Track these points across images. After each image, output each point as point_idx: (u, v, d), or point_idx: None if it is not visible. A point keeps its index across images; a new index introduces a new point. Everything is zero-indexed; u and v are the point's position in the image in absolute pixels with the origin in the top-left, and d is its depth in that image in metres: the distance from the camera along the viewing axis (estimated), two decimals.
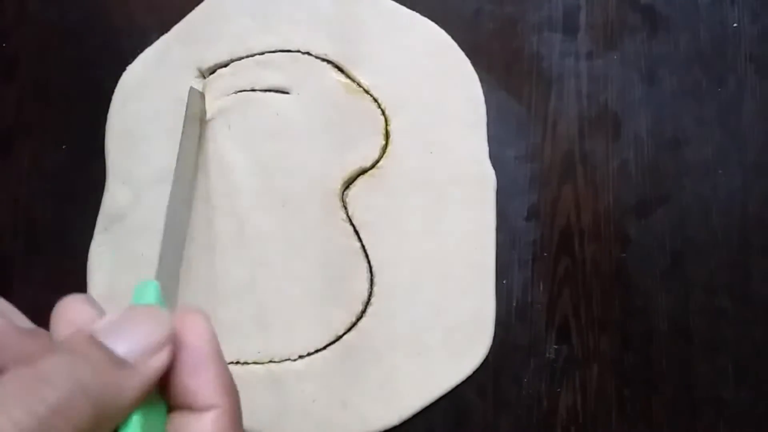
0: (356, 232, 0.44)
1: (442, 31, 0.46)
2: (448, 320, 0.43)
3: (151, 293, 0.24)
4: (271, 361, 0.43)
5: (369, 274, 0.43)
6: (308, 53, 0.45)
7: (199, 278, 0.44)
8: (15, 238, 0.46)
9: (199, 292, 0.44)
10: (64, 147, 0.46)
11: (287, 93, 0.45)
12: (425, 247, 0.43)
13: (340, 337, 0.43)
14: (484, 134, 0.45)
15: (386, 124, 0.45)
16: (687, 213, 0.45)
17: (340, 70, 0.45)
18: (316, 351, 0.43)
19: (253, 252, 0.44)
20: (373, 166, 0.44)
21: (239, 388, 0.47)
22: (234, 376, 0.40)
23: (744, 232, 0.44)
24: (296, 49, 0.45)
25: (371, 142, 0.44)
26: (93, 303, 0.23)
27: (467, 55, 0.46)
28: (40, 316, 0.44)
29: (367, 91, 0.45)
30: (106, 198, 0.45)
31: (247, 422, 0.43)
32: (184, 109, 0.43)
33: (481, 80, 0.45)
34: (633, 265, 0.44)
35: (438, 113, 0.45)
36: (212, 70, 0.46)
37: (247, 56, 0.45)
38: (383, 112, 0.45)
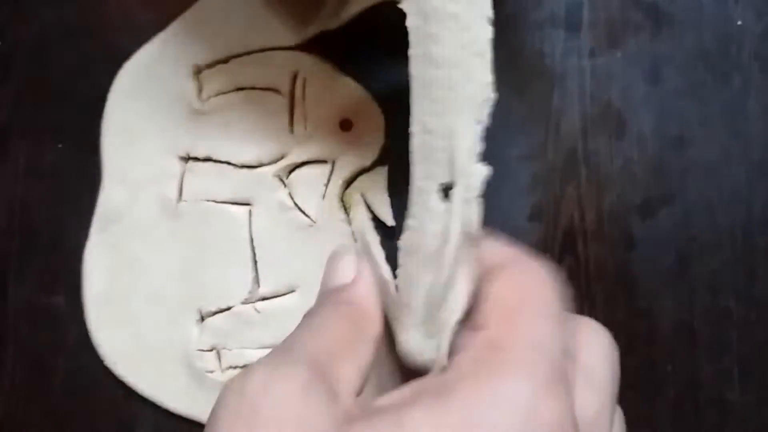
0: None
1: None
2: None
3: None
4: None
5: None
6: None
7: (196, 279, 0.43)
8: (10, 238, 0.45)
9: (196, 293, 0.43)
10: (60, 146, 0.45)
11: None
12: None
13: None
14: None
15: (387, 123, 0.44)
16: (691, 213, 0.44)
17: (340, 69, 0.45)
18: None
19: (252, 253, 0.43)
20: (373, 166, 0.44)
21: None
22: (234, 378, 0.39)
23: (749, 232, 0.44)
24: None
25: (371, 141, 0.44)
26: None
27: None
28: (35, 316, 0.44)
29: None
30: (102, 198, 0.44)
31: None
32: (178, 103, 0.42)
33: None
34: (637, 265, 0.44)
35: None
36: (210, 67, 0.45)
37: (246, 53, 0.45)
38: (384, 111, 0.44)
